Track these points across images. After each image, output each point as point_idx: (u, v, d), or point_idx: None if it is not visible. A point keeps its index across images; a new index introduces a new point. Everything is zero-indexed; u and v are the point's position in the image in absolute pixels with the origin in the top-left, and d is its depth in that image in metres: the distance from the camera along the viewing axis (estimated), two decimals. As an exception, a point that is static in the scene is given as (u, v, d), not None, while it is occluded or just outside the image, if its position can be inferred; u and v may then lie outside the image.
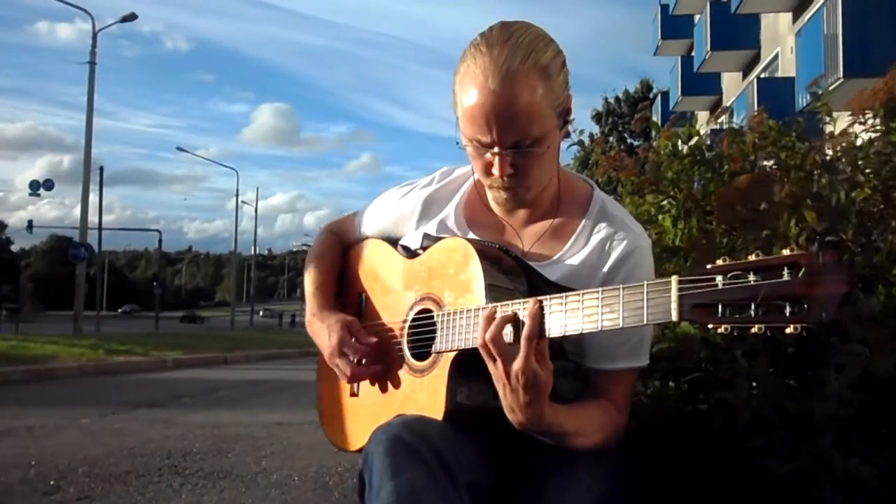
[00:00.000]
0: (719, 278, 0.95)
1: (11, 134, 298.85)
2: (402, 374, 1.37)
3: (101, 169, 27.97)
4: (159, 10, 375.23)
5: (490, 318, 1.15)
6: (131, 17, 22.31)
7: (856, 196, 1.58)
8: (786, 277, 0.90)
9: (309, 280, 1.57)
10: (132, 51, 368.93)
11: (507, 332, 1.14)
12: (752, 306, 0.92)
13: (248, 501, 2.96)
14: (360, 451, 1.29)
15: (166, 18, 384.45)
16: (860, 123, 1.72)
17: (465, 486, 1.15)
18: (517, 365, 1.12)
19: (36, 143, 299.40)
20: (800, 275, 0.89)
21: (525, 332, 1.12)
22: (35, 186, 26.05)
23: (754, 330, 0.92)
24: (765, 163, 1.90)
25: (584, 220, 1.37)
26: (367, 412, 1.42)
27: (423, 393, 1.30)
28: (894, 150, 1.63)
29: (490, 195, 1.41)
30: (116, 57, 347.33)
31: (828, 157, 1.75)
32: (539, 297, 1.14)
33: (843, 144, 1.73)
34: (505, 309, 1.16)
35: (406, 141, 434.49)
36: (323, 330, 1.44)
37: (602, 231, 1.35)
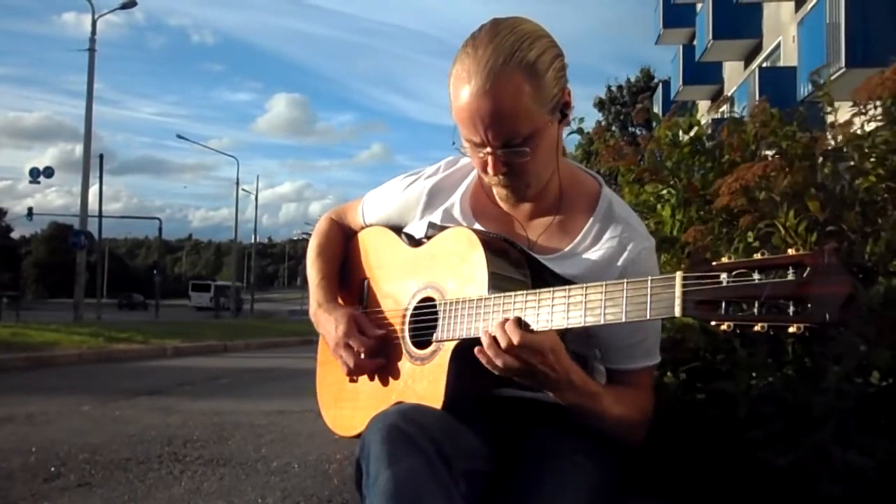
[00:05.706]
0: (724, 275, 0.95)
1: (28, 123, 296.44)
2: (403, 362, 1.37)
3: (101, 157, 28.05)
4: (183, 2, 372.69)
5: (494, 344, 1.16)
6: (131, 4, 22.26)
7: (859, 185, 1.57)
8: (790, 277, 0.90)
9: (313, 270, 1.57)
10: (157, 42, 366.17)
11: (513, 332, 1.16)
12: (756, 305, 0.92)
13: (247, 488, 2.97)
14: (358, 437, 1.29)
15: (192, 12, 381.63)
16: (861, 114, 1.70)
17: (463, 475, 1.16)
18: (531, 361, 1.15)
19: (52, 133, 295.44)
20: (804, 275, 0.89)
21: (503, 345, 1.14)
22: (35, 174, 25.94)
23: (757, 328, 0.92)
24: (766, 152, 1.89)
25: (591, 219, 1.37)
26: (366, 399, 1.43)
27: (423, 381, 1.30)
28: None
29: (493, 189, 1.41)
30: (142, 48, 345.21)
31: (831, 147, 1.74)
32: (515, 313, 1.17)
33: (848, 133, 1.71)
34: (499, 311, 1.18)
35: (416, 131, 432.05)
36: (330, 321, 1.46)
37: (612, 233, 1.35)
